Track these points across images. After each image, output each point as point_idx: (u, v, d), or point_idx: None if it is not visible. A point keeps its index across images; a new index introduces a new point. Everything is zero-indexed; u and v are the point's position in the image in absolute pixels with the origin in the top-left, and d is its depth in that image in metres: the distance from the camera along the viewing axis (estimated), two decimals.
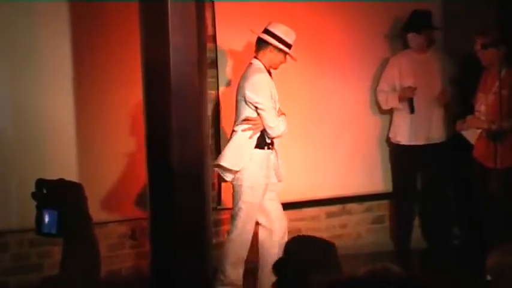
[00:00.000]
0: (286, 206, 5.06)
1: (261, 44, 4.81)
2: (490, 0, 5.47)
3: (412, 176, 5.87)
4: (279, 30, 4.77)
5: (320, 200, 5.90)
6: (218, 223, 5.67)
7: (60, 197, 2.47)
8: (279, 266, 2.60)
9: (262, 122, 4.74)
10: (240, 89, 4.81)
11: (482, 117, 5.24)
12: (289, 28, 4.81)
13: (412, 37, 5.67)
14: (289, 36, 4.78)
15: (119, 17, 5.15)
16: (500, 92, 5.02)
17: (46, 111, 5.14)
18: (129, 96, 5.09)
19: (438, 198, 5.87)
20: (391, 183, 6.06)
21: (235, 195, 4.84)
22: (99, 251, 2.49)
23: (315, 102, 5.57)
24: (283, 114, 4.86)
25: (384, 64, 5.89)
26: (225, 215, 5.78)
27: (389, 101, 5.78)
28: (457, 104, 5.85)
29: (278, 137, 4.84)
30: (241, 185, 4.77)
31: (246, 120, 4.76)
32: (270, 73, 4.84)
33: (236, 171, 4.76)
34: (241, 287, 4.89)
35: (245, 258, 4.85)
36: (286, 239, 4.49)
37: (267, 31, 4.79)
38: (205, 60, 4.17)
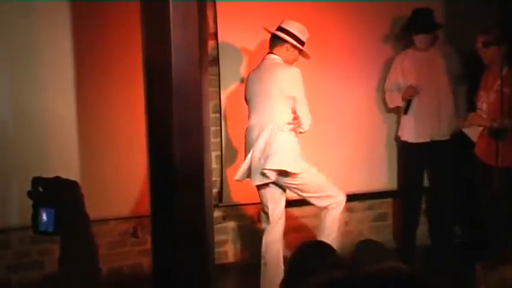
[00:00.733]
0: (289, 204, 5.06)
1: (275, 40, 4.78)
2: None
3: (418, 173, 5.88)
4: (294, 28, 4.76)
5: None
6: (220, 220, 5.69)
7: (57, 195, 2.46)
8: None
9: (298, 114, 4.71)
10: (271, 83, 4.70)
11: (484, 115, 5.24)
12: (302, 25, 4.81)
13: (420, 38, 5.66)
14: (303, 34, 4.78)
15: (119, 17, 5.16)
16: (502, 90, 5.01)
17: (47, 110, 5.16)
18: (129, 95, 5.10)
19: (440, 197, 5.89)
20: (393, 181, 6.08)
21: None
22: (97, 249, 2.48)
23: (318, 102, 5.54)
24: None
25: (389, 63, 5.90)
26: (227, 212, 5.81)
27: (394, 99, 5.83)
28: (460, 102, 5.86)
29: (306, 131, 4.81)
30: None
31: (293, 118, 4.71)
32: None
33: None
34: None
35: None
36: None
37: (282, 29, 4.78)
38: (207, 59, 4.18)
